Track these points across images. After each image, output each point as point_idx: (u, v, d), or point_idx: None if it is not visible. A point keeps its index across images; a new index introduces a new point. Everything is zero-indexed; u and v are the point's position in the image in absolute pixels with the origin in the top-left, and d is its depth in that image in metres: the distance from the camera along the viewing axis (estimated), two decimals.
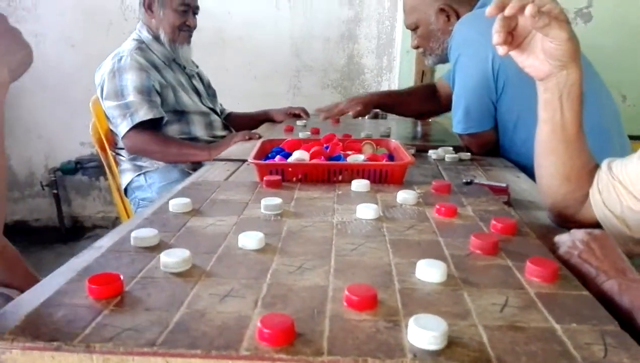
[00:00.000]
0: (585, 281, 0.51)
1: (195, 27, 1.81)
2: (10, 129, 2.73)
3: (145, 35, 1.75)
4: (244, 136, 1.59)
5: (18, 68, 0.50)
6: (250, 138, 1.57)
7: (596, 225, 0.70)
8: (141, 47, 1.72)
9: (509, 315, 0.42)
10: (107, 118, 1.70)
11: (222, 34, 2.64)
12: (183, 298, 0.44)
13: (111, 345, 0.37)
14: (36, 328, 0.39)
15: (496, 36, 0.67)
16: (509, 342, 0.38)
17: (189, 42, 1.81)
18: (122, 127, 1.62)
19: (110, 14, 2.64)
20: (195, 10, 1.79)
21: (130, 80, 1.62)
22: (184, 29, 1.76)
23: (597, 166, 0.74)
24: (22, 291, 0.80)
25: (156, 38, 1.75)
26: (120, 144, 1.71)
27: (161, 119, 1.66)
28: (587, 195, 0.73)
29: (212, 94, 2.02)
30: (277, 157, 0.95)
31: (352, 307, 0.43)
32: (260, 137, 1.56)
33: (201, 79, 1.97)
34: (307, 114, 2.05)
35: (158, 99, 1.66)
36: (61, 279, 0.52)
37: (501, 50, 0.69)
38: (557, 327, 0.41)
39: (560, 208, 0.75)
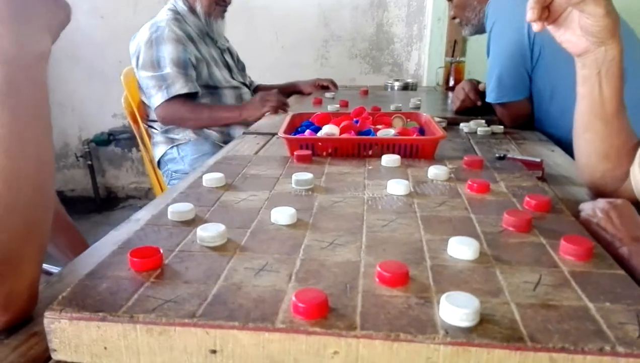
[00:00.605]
0: (603, 248, 0.51)
1: (230, 3, 1.80)
2: None
3: (181, 7, 1.75)
4: (274, 103, 1.57)
5: (57, 31, 0.47)
6: (278, 108, 1.56)
7: (636, 203, 0.69)
8: (177, 17, 1.72)
9: (541, 293, 0.42)
10: (141, 88, 1.72)
11: (248, 3, 2.62)
12: (219, 272, 0.46)
13: (154, 316, 0.38)
14: (82, 299, 0.41)
15: (530, 12, 0.65)
16: (541, 320, 0.38)
17: (223, 16, 1.81)
18: (156, 99, 1.64)
19: None
20: None
21: (167, 52, 1.63)
22: (220, 3, 1.76)
23: (638, 143, 0.72)
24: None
25: (192, 10, 1.75)
26: (153, 116, 1.74)
27: (196, 93, 1.67)
28: (627, 173, 0.71)
29: (241, 67, 2.02)
30: (307, 131, 0.95)
31: (384, 283, 0.43)
32: (285, 104, 1.56)
33: (231, 53, 1.97)
34: (335, 85, 2.03)
35: (194, 73, 1.67)
36: (102, 251, 0.55)
37: (536, 26, 0.67)
38: (591, 305, 0.40)
39: (598, 186, 0.74)
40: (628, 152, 0.71)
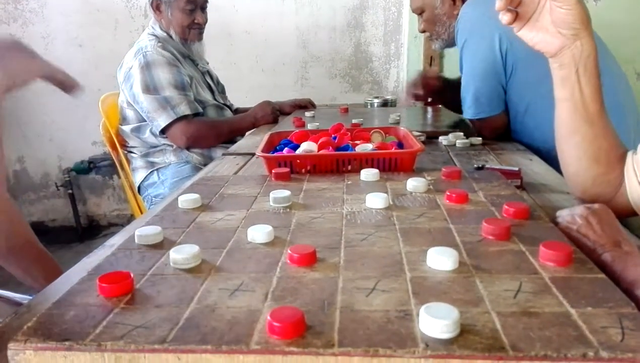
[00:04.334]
0: (584, 255, 0.51)
1: (206, 22, 1.80)
2: (23, 133, 2.77)
3: (159, 32, 1.75)
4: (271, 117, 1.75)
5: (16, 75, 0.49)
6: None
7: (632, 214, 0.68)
8: (160, 42, 1.72)
9: (522, 300, 0.42)
10: (143, 111, 1.69)
11: (228, 29, 2.64)
12: (193, 294, 0.44)
13: (122, 343, 0.37)
14: (48, 329, 0.39)
15: (503, 14, 0.67)
16: (522, 328, 0.37)
17: (200, 38, 1.81)
18: (161, 120, 1.63)
19: (116, 13, 2.65)
20: (203, 5, 1.78)
21: (163, 76, 1.63)
22: (193, 27, 1.76)
23: (626, 151, 0.71)
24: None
25: (169, 35, 1.75)
26: (131, 142, 1.72)
27: (199, 113, 1.69)
28: (618, 178, 0.69)
29: (221, 90, 2.02)
30: (285, 149, 0.95)
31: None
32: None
33: (210, 76, 1.97)
34: (313, 105, 2.04)
35: (191, 94, 1.68)
36: (73, 279, 0.52)
37: (505, 20, 0.69)
38: (572, 311, 0.40)
39: (592, 195, 0.72)
40: (618, 157, 0.70)
